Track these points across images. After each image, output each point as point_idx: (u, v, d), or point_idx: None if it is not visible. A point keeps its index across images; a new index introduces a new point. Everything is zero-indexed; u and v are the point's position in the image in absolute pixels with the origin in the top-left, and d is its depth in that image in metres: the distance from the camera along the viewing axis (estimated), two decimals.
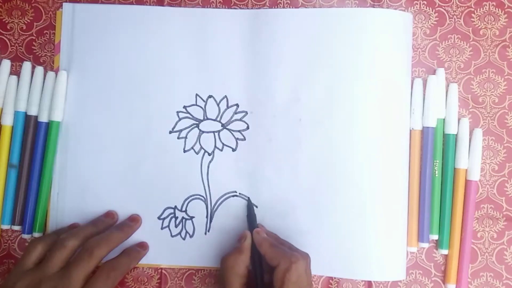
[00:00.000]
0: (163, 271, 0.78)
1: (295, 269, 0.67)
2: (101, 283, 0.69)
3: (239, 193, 0.78)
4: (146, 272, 0.78)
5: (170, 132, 0.78)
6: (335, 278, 0.78)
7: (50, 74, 0.79)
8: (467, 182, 0.77)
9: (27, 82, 0.79)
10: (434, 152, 0.77)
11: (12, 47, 0.80)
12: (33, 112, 0.78)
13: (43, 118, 0.78)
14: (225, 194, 0.78)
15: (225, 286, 0.69)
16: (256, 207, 0.77)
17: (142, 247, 0.77)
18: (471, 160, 0.77)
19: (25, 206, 0.78)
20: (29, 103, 0.78)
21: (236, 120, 0.78)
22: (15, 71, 0.80)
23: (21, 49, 0.80)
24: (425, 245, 0.77)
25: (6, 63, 0.79)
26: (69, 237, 0.71)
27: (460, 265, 0.77)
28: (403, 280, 0.77)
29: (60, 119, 0.78)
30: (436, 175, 0.77)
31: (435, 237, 0.77)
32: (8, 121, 0.78)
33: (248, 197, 0.77)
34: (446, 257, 0.78)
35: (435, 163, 0.77)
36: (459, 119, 0.78)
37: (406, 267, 0.77)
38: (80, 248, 0.70)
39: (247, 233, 0.72)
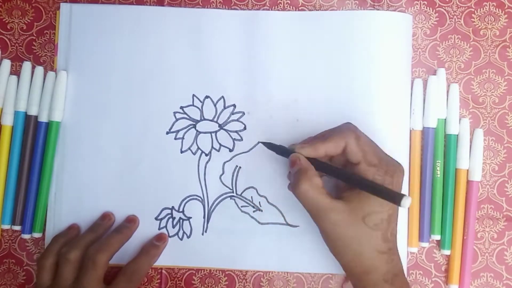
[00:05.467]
0: (163, 271, 0.78)
1: (361, 134, 0.68)
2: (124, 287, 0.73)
3: (236, 194, 0.78)
4: (146, 273, 0.78)
5: (167, 133, 0.78)
6: (335, 276, 0.78)
7: (50, 74, 0.79)
8: (469, 183, 0.77)
9: (27, 82, 0.79)
10: (435, 152, 0.77)
11: (12, 47, 0.80)
12: (33, 112, 0.78)
13: (43, 118, 0.78)
14: (222, 195, 0.78)
15: (315, 211, 0.67)
16: (261, 210, 0.78)
17: (160, 240, 0.77)
18: (472, 161, 0.77)
19: (25, 206, 0.78)
20: (29, 103, 0.78)
21: (233, 120, 0.78)
22: (15, 71, 0.80)
23: (21, 49, 0.80)
24: (426, 244, 0.77)
25: (6, 63, 0.79)
26: (70, 250, 0.72)
27: (462, 265, 0.77)
28: None
29: (60, 119, 0.78)
30: (438, 176, 0.77)
31: (436, 237, 0.77)
32: (8, 121, 0.78)
33: (263, 142, 0.75)
34: (448, 257, 0.78)
35: (436, 164, 0.77)
36: (459, 120, 0.78)
37: (406, 267, 0.77)
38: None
39: (295, 155, 0.68)
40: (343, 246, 0.66)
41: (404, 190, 0.76)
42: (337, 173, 0.68)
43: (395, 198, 0.60)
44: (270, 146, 0.73)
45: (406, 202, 0.59)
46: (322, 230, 0.67)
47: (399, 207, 0.63)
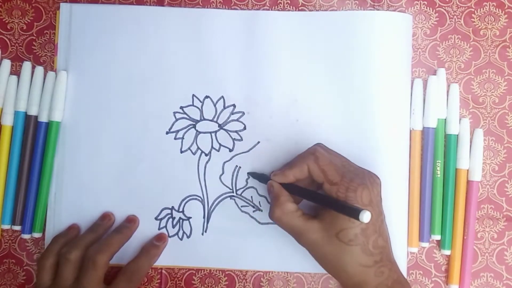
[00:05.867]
0: (163, 271, 0.78)
1: (320, 155, 0.69)
2: None
3: (236, 194, 0.78)
4: (146, 273, 0.78)
5: (167, 133, 0.78)
6: None
7: (50, 74, 0.79)
8: (469, 183, 0.78)
9: (27, 82, 0.79)
10: (435, 152, 0.77)
11: (12, 47, 0.80)
12: (33, 112, 0.78)
13: (43, 118, 0.78)
14: (222, 195, 0.78)
15: (293, 234, 0.69)
16: (261, 210, 0.78)
17: (160, 240, 0.77)
18: (472, 161, 0.77)
19: (25, 206, 0.78)
20: (29, 103, 0.78)
21: (233, 120, 0.78)
22: (15, 71, 0.80)
23: (21, 49, 0.80)
24: (426, 244, 0.77)
25: (6, 63, 0.79)
26: (70, 250, 0.72)
27: (462, 265, 0.77)
28: None
29: (60, 119, 0.78)
30: (438, 176, 0.77)
31: (436, 237, 0.77)
32: (8, 121, 0.78)
33: (248, 173, 0.78)
34: (448, 257, 0.78)
35: (437, 164, 0.77)
36: (459, 120, 0.78)
37: (406, 267, 0.77)
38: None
39: (270, 182, 0.71)
40: (326, 263, 0.68)
41: (404, 190, 0.77)
42: (305, 194, 0.70)
43: (354, 213, 0.60)
44: (253, 175, 0.77)
45: (364, 216, 0.59)
46: (306, 249, 0.69)
47: (383, 219, 0.67)
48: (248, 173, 0.78)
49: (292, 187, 0.70)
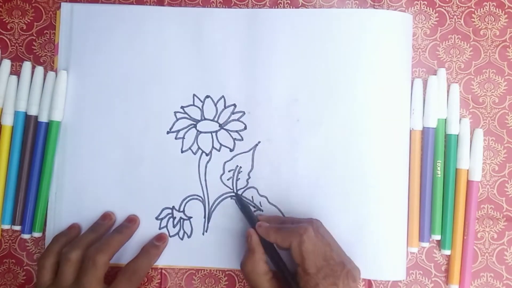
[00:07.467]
0: (163, 271, 0.78)
1: (307, 239, 0.67)
2: None
3: (236, 194, 0.78)
4: (146, 273, 0.78)
5: (168, 133, 0.78)
6: None
7: (50, 74, 0.79)
8: (469, 183, 0.77)
9: (27, 82, 0.79)
10: (436, 152, 0.77)
11: (12, 47, 0.80)
12: (33, 112, 0.78)
13: (43, 118, 0.78)
14: (222, 195, 0.78)
15: None
16: (262, 211, 0.78)
17: (160, 240, 0.77)
18: (472, 161, 0.77)
19: (25, 206, 0.78)
20: (29, 103, 0.78)
21: (233, 120, 0.78)
22: (15, 71, 0.80)
23: (21, 49, 0.80)
24: (426, 244, 0.77)
25: (6, 63, 0.79)
26: (71, 250, 0.72)
27: (462, 265, 0.77)
28: (403, 280, 0.77)
29: (60, 119, 0.78)
30: (439, 176, 0.77)
31: (436, 237, 0.77)
32: (8, 121, 0.78)
33: (236, 193, 0.78)
34: (448, 257, 0.78)
35: (437, 164, 0.77)
36: (459, 120, 0.78)
37: (406, 267, 0.77)
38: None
39: (251, 231, 0.71)
40: None
41: (404, 190, 0.77)
42: (276, 263, 0.71)
43: None
44: (239, 202, 0.77)
45: None
46: None
47: None
48: (236, 195, 0.78)
49: (269, 246, 0.71)
